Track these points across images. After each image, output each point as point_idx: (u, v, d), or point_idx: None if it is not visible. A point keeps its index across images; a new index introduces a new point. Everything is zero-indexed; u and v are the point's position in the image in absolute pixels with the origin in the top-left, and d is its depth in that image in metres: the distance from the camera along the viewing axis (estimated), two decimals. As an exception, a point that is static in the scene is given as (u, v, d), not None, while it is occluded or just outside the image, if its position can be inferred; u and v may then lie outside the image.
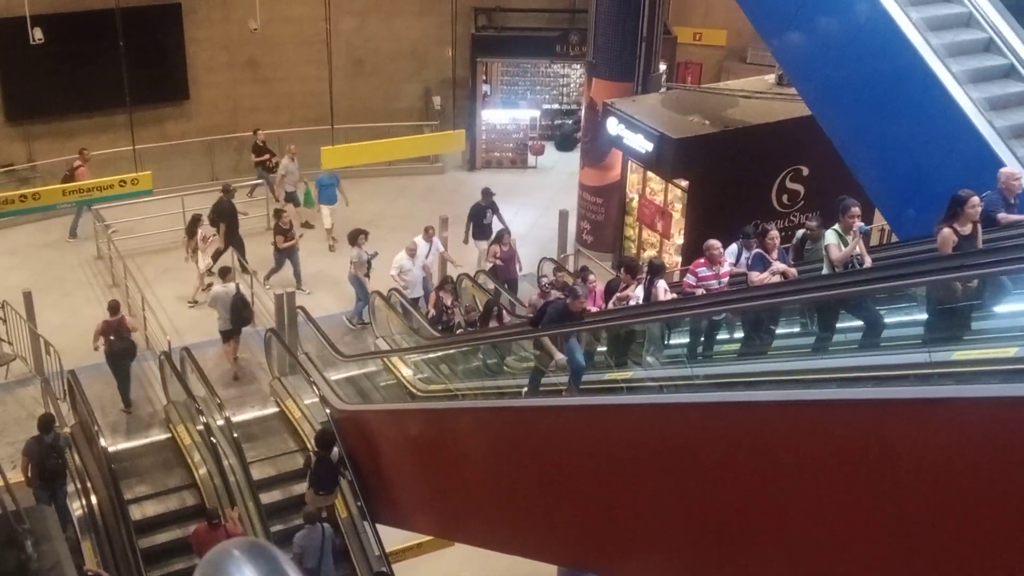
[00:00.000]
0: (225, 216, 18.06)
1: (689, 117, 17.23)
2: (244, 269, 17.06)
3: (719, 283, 10.11)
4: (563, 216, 19.31)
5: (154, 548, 11.98)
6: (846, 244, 8.82)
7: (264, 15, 20.38)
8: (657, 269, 10.79)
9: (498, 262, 16.74)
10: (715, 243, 10.15)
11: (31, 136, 21.80)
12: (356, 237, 16.52)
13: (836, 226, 8.99)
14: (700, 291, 10.01)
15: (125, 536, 11.53)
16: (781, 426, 6.10)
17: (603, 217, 19.67)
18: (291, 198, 20.11)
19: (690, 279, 10.19)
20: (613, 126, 17.65)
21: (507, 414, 9.95)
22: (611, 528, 8.22)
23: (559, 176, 23.37)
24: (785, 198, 17.21)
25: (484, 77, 24.34)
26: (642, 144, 16.98)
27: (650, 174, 17.92)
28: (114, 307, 14.35)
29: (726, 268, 10.28)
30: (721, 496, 6.67)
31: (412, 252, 16.23)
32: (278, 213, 18.37)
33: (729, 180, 16.49)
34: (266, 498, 12.46)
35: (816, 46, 13.45)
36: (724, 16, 24.18)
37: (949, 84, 11.66)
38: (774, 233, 10.10)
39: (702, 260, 10.17)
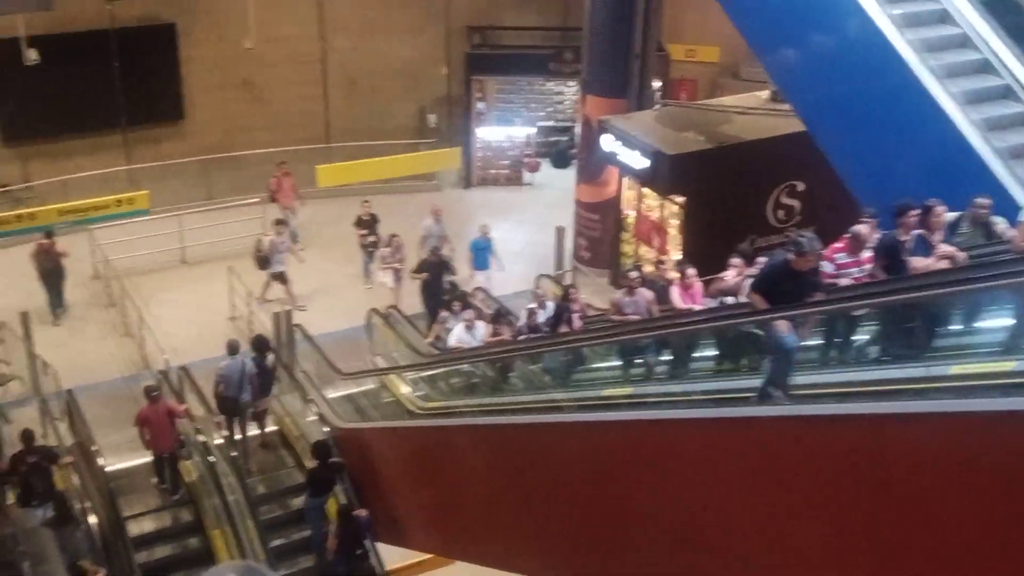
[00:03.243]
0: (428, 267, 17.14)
1: (684, 133, 17.31)
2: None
3: (860, 271, 8.81)
4: (560, 232, 19.35)
5: (151, 564, 12.02)
6: None
7: (258, 35, 20.45)
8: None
9: None
10: (862, 228, 8.96)
11: (26, 157, 21.80)
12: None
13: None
14: (843, 281, 8.68)
15: (124, 552, 11.55)
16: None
17: (599, 233, 19.72)
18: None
19: (827, 267, 8.59)
20: (608, 143, 17.73)
21: (506, 431, 9.93)
22: (613, 546, 8.21)
23: (554, 193, 23.41)
24: (781, 213, 17.29)
25: (479, 95, 24.42)
26: (638, 161, 17.05)
27: (646, 190, 17.98)
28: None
29: (868, 255, 8.92)
30: (740, 516, 6.62)
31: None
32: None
33: (725, 196, 16.57)
34: (264, 511, 12.56)
35: (809, 62, 13.53)
36: (717, 33, 24.26)
37: (942, 99, 11.73)
38: (940, 209, 8.74)
39: (839, 244, 8.95)
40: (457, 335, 13.74)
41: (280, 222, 18.54)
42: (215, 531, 12.24)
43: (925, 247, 8.63)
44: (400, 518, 12.54)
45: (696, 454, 6.92)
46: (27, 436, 12.08)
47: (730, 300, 10.26)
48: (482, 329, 13.66)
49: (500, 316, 13.95)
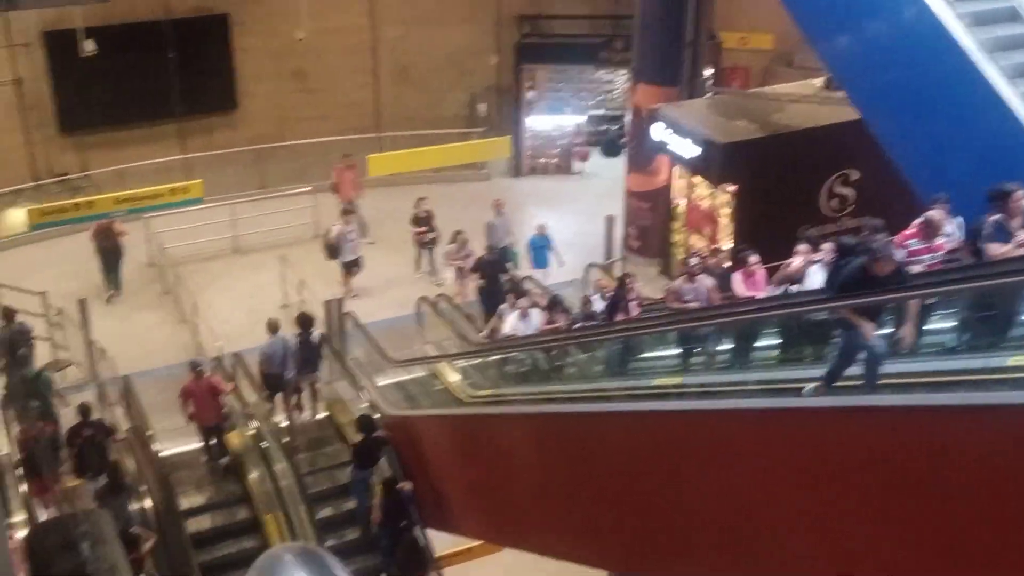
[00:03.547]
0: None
1: (736, 122, 17.15)
2: None
3: (932, 258, 8.41)
4: (609, 222, 19.28)
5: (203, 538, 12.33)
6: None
7: (310, 25, 20.59)
8: (849, 251, 8.87)
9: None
10: (935, 213, 8.61)
11: (84, 146, 22.18)
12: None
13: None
14: (915, 268, 8.25)
15: (178, 534, 11.79)
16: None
17: (650, 223, 19.62)
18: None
19: (898, 254, 7.96)
20: (659, 131, 17.61)
21: (558, 420, 9.93)
22: (664, 535, 8.18)
23: (604, 182, 23.33)
24: (834, 203, 17.06)
25: (529, 84, 24.39)
26: (689, 149, 16.92)
27: (697, 179, 17.85)
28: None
29: (941, 241, 8.63)
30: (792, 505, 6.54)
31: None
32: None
33: (777, 185, 16.38)
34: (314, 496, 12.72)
35: (864, 49, 13.32)
36: (770, 20, 23.97)
37: (1000, 84, 11.48)
38: (1020, 194, 8.28)
39: (911, 231, 8.56)
40: (511, 323, 13.75)
41: (348, 211, 18.53)
42: (267, 516, 12.45)
43: (1003, 233, 8.22)
44: (449, 505, 12.61)
45: (754, 446, 6.81)
46: (83, 410, 12.74)
47: (795, 288, 10.00)
48: (537, 317, 13.60)
49: (555, 304, 13.85)
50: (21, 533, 9.48)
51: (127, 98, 21.54)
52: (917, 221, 8.68)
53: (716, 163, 16.66)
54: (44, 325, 15.96)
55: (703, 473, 7.41)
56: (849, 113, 14.56)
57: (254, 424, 12.90)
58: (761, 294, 10.73)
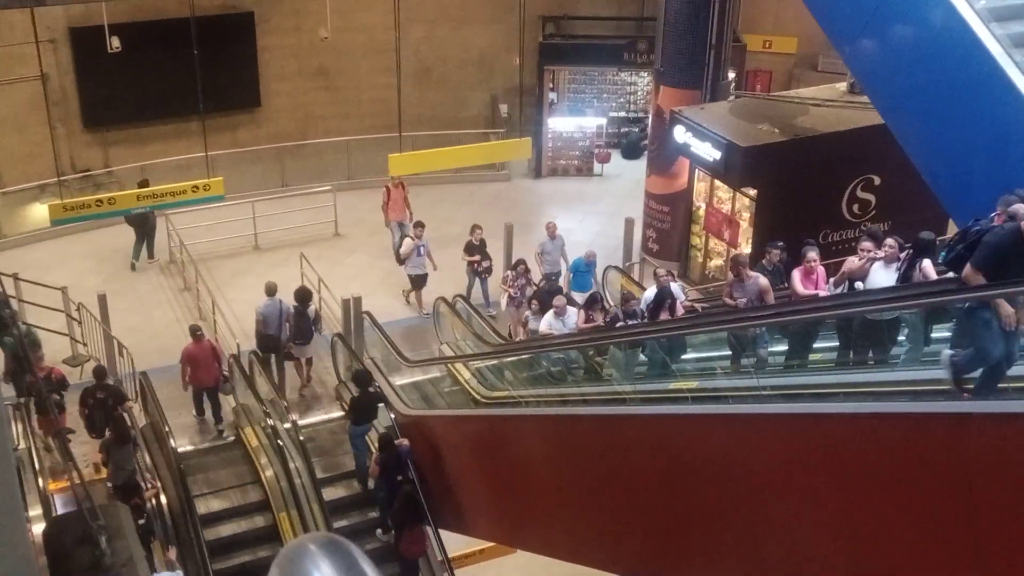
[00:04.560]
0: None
1: (758, 125, 17.05)
2: None
3: None
4: (629, 224, 19.22)
5: (220, 541, 12.40)
6: None
7: (334, 24, 20.60)
8: (925, 246, 8.91)
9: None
10: None
11: (107, 142, 22.34)
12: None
13: None
14: None
15: (193, 531, 11.84)
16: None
17: (669, 226, 19.54)
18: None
19: None
20: (680, 134, 17.54)
21: (574, 422, 9.90)
22: (679, 539, 8.13)
23: (625, 184, 23.27)
24: (856, 208, 16.93)
25: (551, 85, 24.35)
26: (710, 152, 16.84)
27: (717, 182, 17.76)
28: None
29: None
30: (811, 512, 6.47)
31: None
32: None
33: (798, 189, 16.28)
34: (329, 494, 12.86)
35: (889, 52, 13.19)
36: (795, 23, 23.90)
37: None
38: None
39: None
40: (548, 321, 13.47)
41: (419, 224, 17.77)
42: (274, 492, 12.71)
43: None
44: (463, 506, 12.60)
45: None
46: (99, 372, 13.37)
47: (859, 285, 9.56)
48: (574, 316, 13.29)
49: (594, 302, 13.52)
50: (38, 527, 9.53)
51: (151, 95, 21.67)
52: None
53: (737, 166, 16.56)
54: (64, 320, 16.05)
55: (730, 479, 7.30)
56: (873, 117, 14.43)
57: (279, 440, 12.97)
58: (823, 292, 10.26)
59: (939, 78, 12.36)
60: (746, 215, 17.22)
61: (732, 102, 19.07)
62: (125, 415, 12.99)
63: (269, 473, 12.94)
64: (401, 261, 17.70)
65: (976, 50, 11.72)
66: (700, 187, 18.46)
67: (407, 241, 17.62)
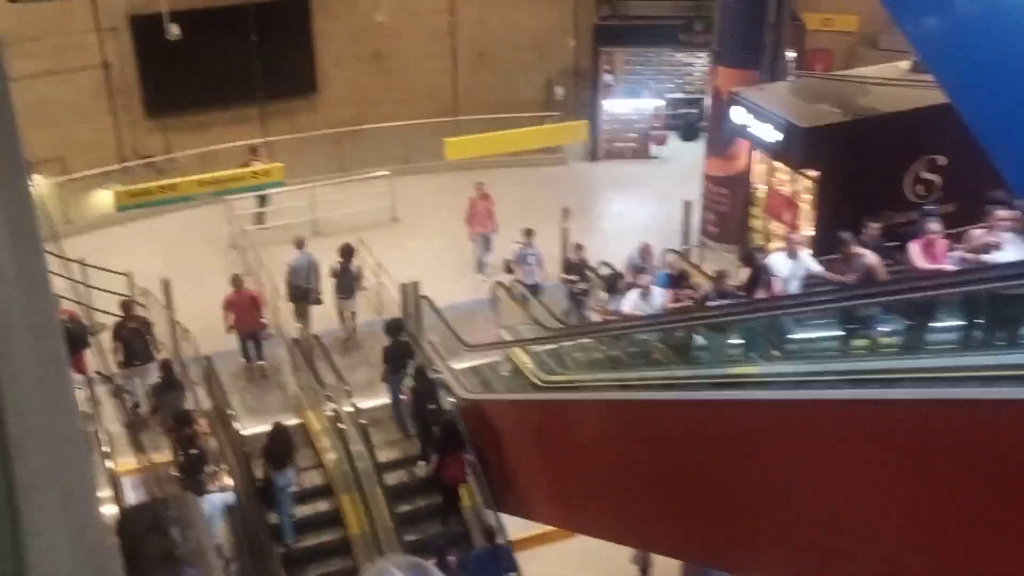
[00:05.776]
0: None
1: (818, 106, 16.81)
2: None
3: None
4: (687, 207, 19.08)
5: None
6: None
7: (390, 7, 20.70)
8: None
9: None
10: None
11: (168, 129, 22.63)
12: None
13: None
14: None
15: (259, 512, 12.04)
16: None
17: (728, 208, 19.37)
18: None
19: None
20: (739, 115, 17.36)
21: (636, 407, 9.86)
22: (741, 526, 8.07)
23: (682, 166, 23.08)
24: (920, 188, 16.64)
25: (607, 67, 24.20)
26: (769, 134, 16.65)
27: (777, 164, 17.56)
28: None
29: None
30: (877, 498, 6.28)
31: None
32: None
33: (860, 170, 16.03)
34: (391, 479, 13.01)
35: (954, 27, 12.85)
36: (855, 1, 23.49)
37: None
38: None
39: None
40: (632, 301, 12.96)
41: (528, 232, 16.95)
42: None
43: None
44: (522, 490, 12.63)
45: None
46: (126, 305, 14.35)
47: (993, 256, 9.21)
48: (660, 296, 12.88)
49: (681, 280, 13.12)
50: (107, 509, 9.73)
51: (211, 82, 21.89)
52: None
53: (797, 148, 16.36)
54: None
55: (802, 467, 7.10)
56: (936, 96, 14.08)
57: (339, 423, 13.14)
58: (947, 266, 9.78)
59: (1007, 50, 12.05)
60: (807, 197, 17.00)
61: (791, 82, 18.84)
62: (173, 364, 13.96)
63: (330, 456, 13.10)
64: (509, 270, 16.92)
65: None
66: (759, 169, 18.27)
67: (514, 247, 16.90)
